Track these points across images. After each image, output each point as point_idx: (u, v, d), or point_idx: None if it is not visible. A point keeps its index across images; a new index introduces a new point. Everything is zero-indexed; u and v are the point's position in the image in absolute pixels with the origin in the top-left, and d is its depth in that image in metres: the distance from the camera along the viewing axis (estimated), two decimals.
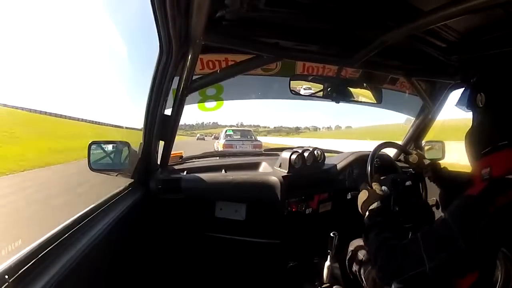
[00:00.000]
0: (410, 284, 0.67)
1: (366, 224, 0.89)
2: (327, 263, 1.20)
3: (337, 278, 1.21)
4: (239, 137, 10.10)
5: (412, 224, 1.54)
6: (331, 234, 1.19)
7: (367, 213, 0.92)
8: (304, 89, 1.55)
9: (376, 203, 0.93)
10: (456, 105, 0.87)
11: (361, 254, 1.13)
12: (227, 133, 10.30)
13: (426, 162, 1.32)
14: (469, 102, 0.78)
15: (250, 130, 12.53)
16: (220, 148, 8.58)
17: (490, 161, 0.69)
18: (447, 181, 1.27)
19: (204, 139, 41.38)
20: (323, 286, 1.23)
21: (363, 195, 0.98)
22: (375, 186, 1.02)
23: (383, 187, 1.42)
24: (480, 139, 0.75)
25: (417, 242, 0.66)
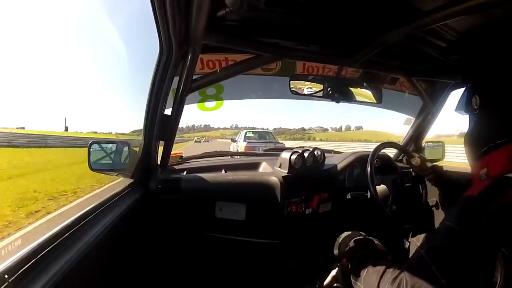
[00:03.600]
0: None
1: (354, 257, 0.82)
2: (334, 271, 1.21)
3: (337, 278, 1.21)
4: (257, 138, 9.60)
5: (412, 225, 1.55)
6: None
7: (351, 243, 0.86)
8: (307, 88, 1.55)
9: (360, 236, 0.89)
10: (455, 111, 0.87)
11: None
12: (247, 135, 9.76)
13: (428, 165, 1.31)
14: (465, 105, 0.78)
15: (271, 132, 11.89)
16: (241, 151, 7.70)
17: (486, 161, 0.70)
18: (448, 184, 1.27)
19: (200, 142, 42.65)
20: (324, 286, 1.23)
21: (345, 233, 0.93)
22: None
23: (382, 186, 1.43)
24: (477, 141, 0.76)
25: (423, 260, 0.63)
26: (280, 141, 11.41)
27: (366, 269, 0.74)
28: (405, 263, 0.67)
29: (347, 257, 0.85)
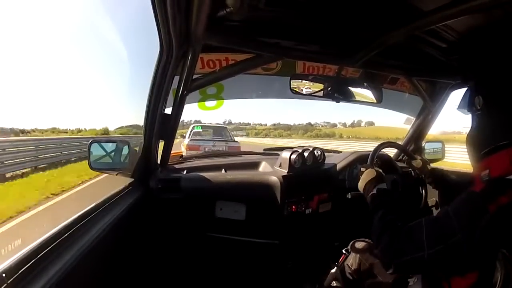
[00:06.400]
0: (408, 268, 0.70)
1: (372, 203, 0.91)
2: (333, 271, 1.21)
3: (337, 278, 1.21)
4: (211, 135, 8.05)
5: None
6: (343, 251, 1.20)
7: (374, 190, 0.93)
8: (307, 88, 1.55)
9: (384, 184, 0.95)
10: (457, 109, 0.87)
11: (361, 255, 1.13)
12: (194, 131, 8.00)
13: (429, 167, 1.31)
14: (468, 105, 0.79)
15: (226, 128, 9.83)
16: (183, 149, 6.66)
17: (488, 163, 0.70)
18: (448, 187, 1.27)
19: None
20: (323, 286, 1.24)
21: (369, 174, 0.99)
22: (378, 170, 1.03)
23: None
24: (479, 141, 0.76)
25: (421, 227, 0.69)
26: (235, 140, 9.10)
27: (376, 219, 0.83)
28: (408, 224, 0.73)
29: (369, 201, 0.94)
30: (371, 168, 1.01)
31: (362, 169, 1.04)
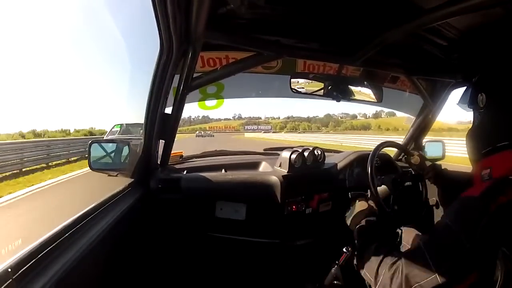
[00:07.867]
0: None
1: (359, 234, 0.89)
2: (333, 269, 1.21)
3: (337, 277, 1.21)
4: (133, 135, 7.79)
5: (413, 225, 1.55)
6: (344, 250, 1.20)
7: (363, 222, 0.92)
8: (305, 87, 1.54)
9: (374, 217, 0.94)
10: (457, 104, 0.87)
11: None
12: (113, 130, 8.07)
13: (428, 163, 1.31)
14: (470, 101, 0.78)
15: (136, 124, 9.06)
16: None
17: (490, 162, 0.70)
18: (448, 183, 1.27)
19: (203, 136, 39.28)
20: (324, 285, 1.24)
21: (361, 206, 0.99)
22: (371, 203, 1.03)
23: (383, 186, 1.42)
24: (481, 139, 0.76)
25: (421, 251, 0.65)
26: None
27: (369, 253, 0.78)
28: (404, 251, 0.70)
29: (356, 234, 0.92)
30: (364, 201, 1.02)
31: (359, 200, 1.05)
